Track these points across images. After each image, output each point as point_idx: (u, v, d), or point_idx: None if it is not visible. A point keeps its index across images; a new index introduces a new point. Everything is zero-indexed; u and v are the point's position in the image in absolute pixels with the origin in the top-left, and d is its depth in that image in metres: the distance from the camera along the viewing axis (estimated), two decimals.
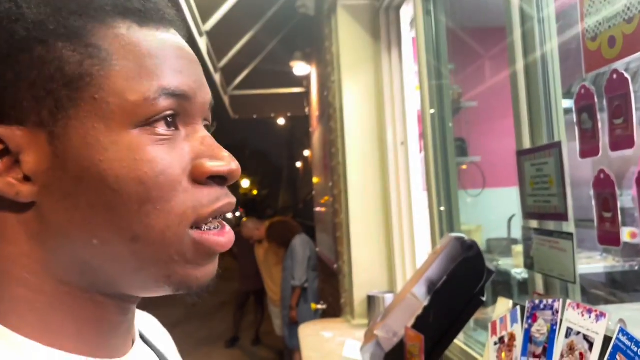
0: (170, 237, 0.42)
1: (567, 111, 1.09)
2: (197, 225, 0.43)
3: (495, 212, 3.04)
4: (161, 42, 0.43)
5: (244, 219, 5.59)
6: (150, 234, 0.41)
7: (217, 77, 4.85)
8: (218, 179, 0.44)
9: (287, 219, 5.35)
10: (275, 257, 4.85)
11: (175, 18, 0.47)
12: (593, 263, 2.23)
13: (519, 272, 2.29)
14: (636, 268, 2.13)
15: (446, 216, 1.98)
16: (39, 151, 0.40)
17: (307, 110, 5.80)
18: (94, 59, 0.40)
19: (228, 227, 0.46)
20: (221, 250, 0.45)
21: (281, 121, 9.54)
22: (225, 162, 0.44)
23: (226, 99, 6.04)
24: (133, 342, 0.50)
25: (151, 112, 0.41)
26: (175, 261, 0.42)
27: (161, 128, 0.42)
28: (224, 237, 0.45)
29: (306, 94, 5.81)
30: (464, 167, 3.11)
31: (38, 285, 0.42)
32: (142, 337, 0.55)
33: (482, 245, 2.81)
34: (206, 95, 0.46)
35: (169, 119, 0.42)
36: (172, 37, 0.45)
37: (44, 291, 0.42)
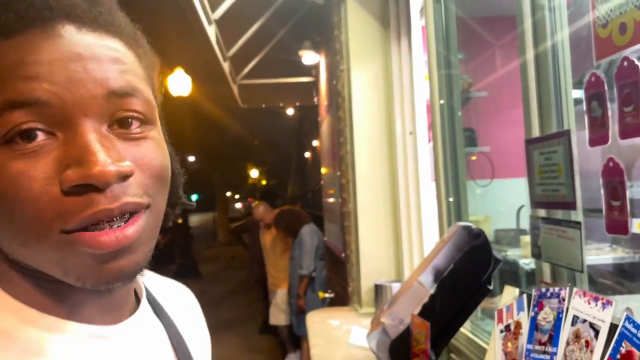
0: (46, 244, 0.43)
1: (579, 102, 1.08)
2: (73, 230, 0.43)
3: (504, 203, 3.02)
4: (20, 49, 0.42)
5: (256, 202, 5.61)
6: (30, 242, 0.44)
7: (225, 66, 4.84)
8: (89, 185, 0.42)
9: (296, 208, 5.36)
10: (282, 245, 4.87)
11: (65, 4, 0.45)
12: (602, 254, 2.21)
13: (527, 263, 2.28)
14: None
15: (454, 207, 1.97)
16: None
17: (315, 99, 5.79)
18: None
19: (127, 229, 0.44)
20: (99, 248, 0.43)
21: (290, 111, 9.53)
22: (84, 166, 0.42)
23: (235, 88, 6.04)
24: (133, 313, 0.54)
25: (1, 128, 0.41)
26: (64, 263, 0.44)
27: (20, 143, 0.42)
28: (107, 236, 0.43)
29: (315, 84, 5.79)
30: (474, 158, 3.10)
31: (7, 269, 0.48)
32: (156, 308, 0.59)
33: (490, 235, 2.80)
34: (86, 91, 0.43)
35: (28, 132, 0.42)
36: (35, 40, 0.43)
37: (10, 272, 0.48)
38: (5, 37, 0.42)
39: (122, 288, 0.51)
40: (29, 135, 0.42)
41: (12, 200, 0.42)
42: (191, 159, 16.98)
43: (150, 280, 0.63)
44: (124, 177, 0.43)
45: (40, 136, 0.42)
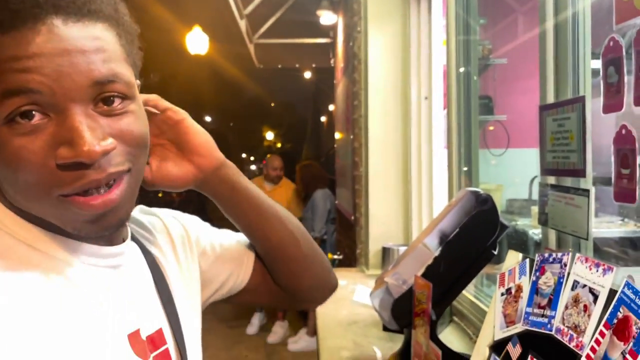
0: (47, 203, 0.53)
1: (597, 73, 1.05)
2: (68, 194, 0.52)
3: (518, 173, 3.00)
4: (15, 44, 0.49)
5: (268, 156, 5.70)
6: (32, 200, 0.53)
7: (242, 24, 4.78)
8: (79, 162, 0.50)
9: (320, 167, 5.38)
10: (293, 210, 4.91)
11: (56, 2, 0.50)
12: (614, 227, 2.21)
13: (537, 233, 2.29)
14: None
15: (466, 174, 1.96)
16: None
17: (332, 61, 5.72)
18: None
19: (112, 193, 0.54)
20: (90, 210, 0.53)
21: (307, 74, 9.45)
22: (74, 147, 0.50)
23: (251, 48, 5.98)
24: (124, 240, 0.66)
25: (3, 111, 0.49)
26: (62, 218, 0.54)
27: (21, 122, 0.50)
28: (96, 201, 0.53)
29: (332, 45, 5.71)
30: (491, 128, 3.05)
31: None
32: (134, 238, 0.70)
33: (502, 205, 2.80)
34: (72, 82, 0.50)
35: (26, 113, 0.49)
36: (28, 35, 0.49)
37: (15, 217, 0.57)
38: (2, 32, 0.49)
39: (110, 235, 0.62)
40: (28, 116, 0.50)
41: (15, 169, 0.50)
42: (208, 119, 16.99)
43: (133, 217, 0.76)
44: (108, 152, 0.52)
45: (37, 116, 0.50)
